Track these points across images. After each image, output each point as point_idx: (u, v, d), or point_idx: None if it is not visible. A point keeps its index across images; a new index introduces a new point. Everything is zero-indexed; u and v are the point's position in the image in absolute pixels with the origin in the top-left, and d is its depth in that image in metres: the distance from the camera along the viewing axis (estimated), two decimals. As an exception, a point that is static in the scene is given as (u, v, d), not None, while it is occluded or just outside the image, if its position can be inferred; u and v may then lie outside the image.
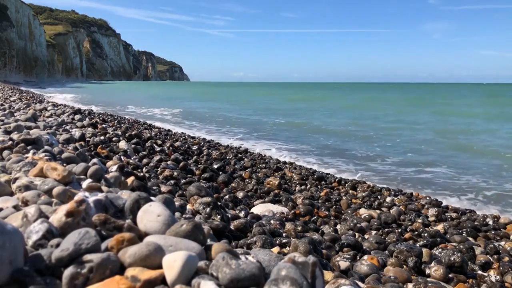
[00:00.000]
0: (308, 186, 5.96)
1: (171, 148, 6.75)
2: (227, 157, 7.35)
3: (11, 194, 1.91)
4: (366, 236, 3.84)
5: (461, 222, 4.61)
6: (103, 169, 2.78)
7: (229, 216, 2.83)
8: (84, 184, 2.10)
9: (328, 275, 2.15)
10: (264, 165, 7.10)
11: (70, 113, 8.29)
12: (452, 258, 3.00)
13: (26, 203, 1.71)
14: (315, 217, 4.24)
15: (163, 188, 3.55)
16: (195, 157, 6.74)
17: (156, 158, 5.48)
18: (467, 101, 42.02)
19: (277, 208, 4.09)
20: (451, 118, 22.90)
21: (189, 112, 24.63)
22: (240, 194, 4.59)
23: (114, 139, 5.96)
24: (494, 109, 29.89)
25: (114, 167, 3.20)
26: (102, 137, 5.62)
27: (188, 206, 2.79)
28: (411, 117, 23.17)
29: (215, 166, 6.11)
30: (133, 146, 5.86)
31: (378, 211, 4.82)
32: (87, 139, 5.22)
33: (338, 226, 4.08)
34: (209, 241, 1.42)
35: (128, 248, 1.15)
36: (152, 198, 1.73)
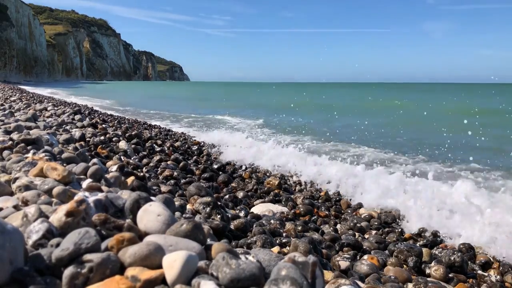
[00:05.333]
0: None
1: (171, 148, 6.75)
2: (227, 157, 7.34)
3: (11, 194, 1.91)
4: (366, 236, 3.84)
5: (461, 221, 4.60)
6: (103, 169, 2.78)
7: (229, 216, 2.84)
8: (84, 184, 2.10)
9: (328, 274, 2.15)
10: (264, 165, 7.09)
11: (70, 113, 8.29)
12: (452, 258, 3.00)
13: (26, 203, 1.71)
14: (315, 217, 4.23)
15: (163, 188, 3.56)
16: (195, 157, 6.74)
17: (156, 158, 5.48)
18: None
19: (277, 208, 4.09)
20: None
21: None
22: (240, 194, 4.59)
23: (114, 139, 5.96)
24: None
25: (114, 167, 3.20)
26: (102, 137, 5.62)
27: (188, 206, 2.79)
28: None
29: (215, 166, 6.11)
30: (133, 146, 5.87)
31: (378, 211, 4.82)
32: (87, 139, 5.22)
33: (338, 226, 4.08)
34: (209, 241, 1.42)
35: (128, 247, 1.15)
36: (152, 198, 1.73)
